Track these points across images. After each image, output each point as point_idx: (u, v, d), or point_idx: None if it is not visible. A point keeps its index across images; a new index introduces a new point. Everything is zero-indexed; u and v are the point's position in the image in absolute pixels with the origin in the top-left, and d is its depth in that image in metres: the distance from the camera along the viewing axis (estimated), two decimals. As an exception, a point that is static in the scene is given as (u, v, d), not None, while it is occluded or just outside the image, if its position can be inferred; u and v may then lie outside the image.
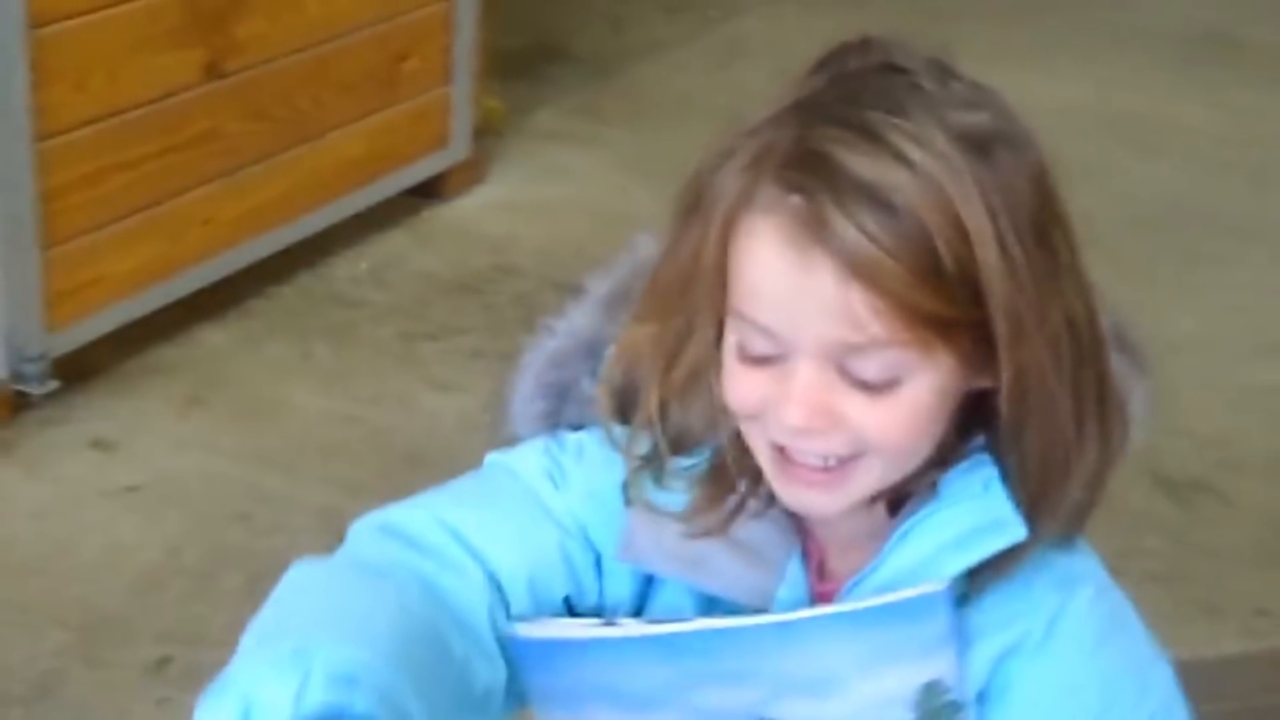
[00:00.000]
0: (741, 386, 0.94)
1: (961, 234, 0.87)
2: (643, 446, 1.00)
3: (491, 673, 0.96)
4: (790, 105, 0.92)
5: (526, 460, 1.03)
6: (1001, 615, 0.97)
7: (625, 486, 1.00)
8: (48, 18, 2.64)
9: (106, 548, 2.55)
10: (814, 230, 0.86)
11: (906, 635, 0.93)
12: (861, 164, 0.86)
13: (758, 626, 0.94)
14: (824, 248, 0.86)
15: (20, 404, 2.86)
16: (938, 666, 0.95)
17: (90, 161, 2.84)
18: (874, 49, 0.93)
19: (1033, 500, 0.96)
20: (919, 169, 0.86)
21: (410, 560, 0.96)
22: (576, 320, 1.05)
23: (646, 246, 1.04)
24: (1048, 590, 0.98)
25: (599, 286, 1.06)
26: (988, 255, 0.87)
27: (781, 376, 0.92)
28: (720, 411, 0.97)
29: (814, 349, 0.90)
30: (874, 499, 0.97)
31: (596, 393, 1.02)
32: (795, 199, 0.87)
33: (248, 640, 0.89)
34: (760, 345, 0.92)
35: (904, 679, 0.94)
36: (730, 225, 0.91)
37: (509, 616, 0.97)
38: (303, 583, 0.95)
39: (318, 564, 0.96)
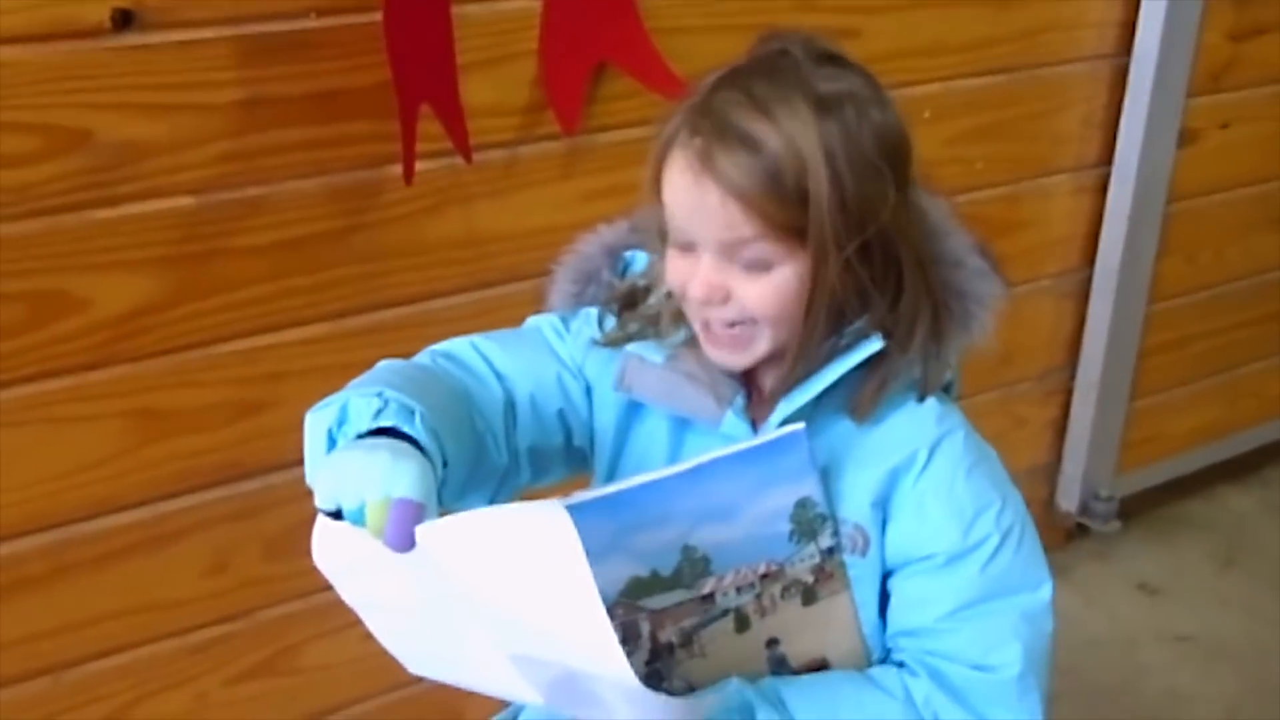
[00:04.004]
0: (671, 269, 1.18)
1: (801, 169, 1.09)
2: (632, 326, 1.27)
3: (498, 454, 1.22)
4: (716, 77, 1.15)
5: (547, 320, 1.30)
6: (895, 440, 1.19)
7: (600, 329, 1.28)
8: (1182, 195, 2.64)
9: (1166, 691, 2.50)
10: (705, 164, 1.10)
11: (777, 466, 1.13)
12: (741, 118, 1.10)
13: (672, 476, 1.10)
14: (711, 176, 1.10)
15: (1074, 535, 2.89)
16: (805, 487, 1.14)
17: (1184, 327, 2.82)
18: (781, 39, 1.16)
19: (887, 331, 1.17)
20: (779, 123, 1.10)
21: (454, 370, 1.22)
22: (604, 234, 1.30)
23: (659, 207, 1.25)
24: (930, 424, 1.20)
25: (622, 221, 1.30)
26: (819, 185, 1.09)
27: (694, 262, 1.15)
28: None
29: (710, 244, 1.13)
30: (775, 356, 1.18)
31: (615, 283, 1.28)
32: (697, 141, 1.11)
33: (345, 389, 1.10)
34: (681, 239, 1.16)
35: (781, 499, 1.14)
36: (662, 157, 1.15)
37: (516, 422, 1.23)
38: (385, 366, 1.18)
39: (396, 361, 1.20)
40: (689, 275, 1.16)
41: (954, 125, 2.31)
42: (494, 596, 0.98)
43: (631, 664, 1.16)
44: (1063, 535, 2.88)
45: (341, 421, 1.07)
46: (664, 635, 1.17)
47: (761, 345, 1.17)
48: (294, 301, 1.76)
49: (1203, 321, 2.85)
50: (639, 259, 1.29)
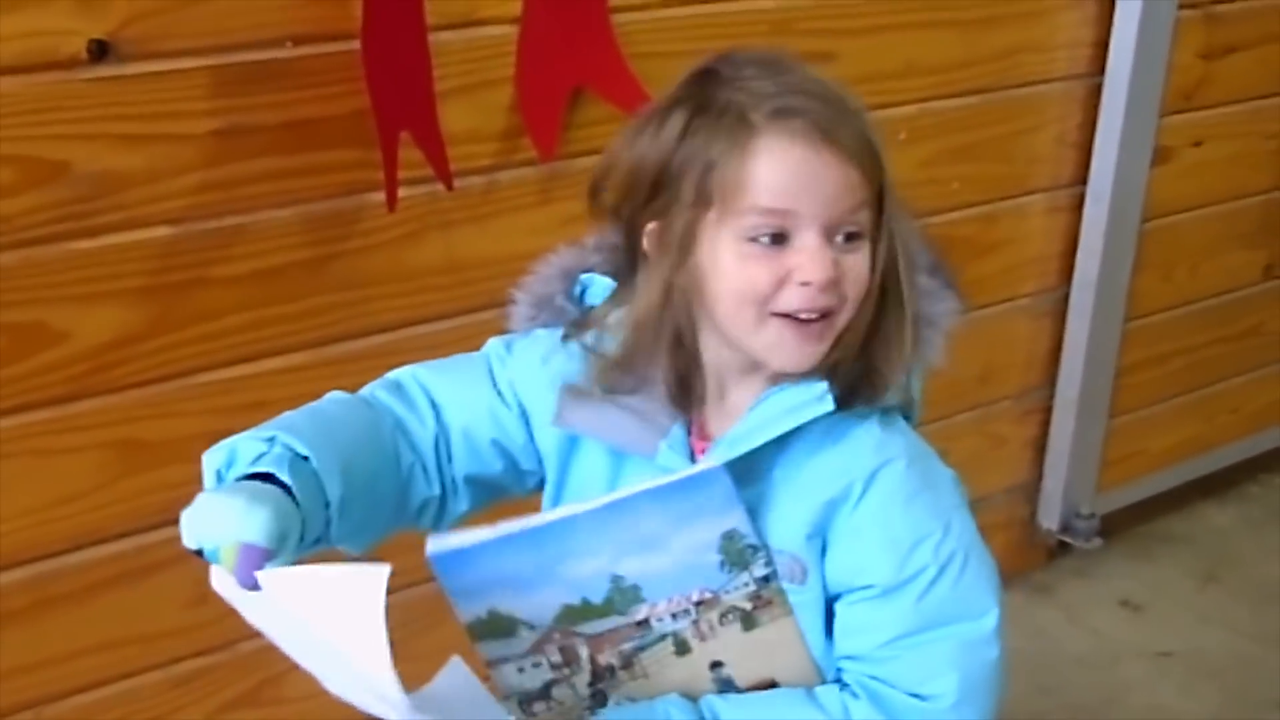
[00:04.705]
0: (757, 271, 1.11)
1: (875, 139, 1.13)
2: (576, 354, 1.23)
3: (428, 489, 1.22)
4: (702, 98, 1.14)
5: (495, 345, 1.29)
6: (831, 471, 1.16)
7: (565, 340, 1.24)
8: (1157, 213, 2.65)
9: (1149, 708, 2.50)
10: (823, 133, 1.10)
11: (698, 501, 1.11)
12: (826, 91, 1.13)
13: (589, 511, 1.11)
14: (833, 144, 1.10)
15: (1056, 553, 2.89)
16: (731, 520, 1.13)
17: (1161, 344, 2.83)
18: (738, 56, 1.16)
19: (844, 360, 1.16)
20: (837, 86, 1.14)
21: (393, 402, 1.24)
22: (565, 256, 1.27)
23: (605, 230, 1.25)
24: (868, 454, 1.16)
25: (590, 238, 1.27)
26: (883, 157, 1.14)
27: (788, 254, 1.11)
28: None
29: (817, 220, 1.10)
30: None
31: (567, 308, 1.26)
32: (797, 122, 1.10)
33: (255, 427, 1.13)
34: (773, 229, 1.11)
35: (707, 531, 1.13)
36: (740, 161, 1.10)
37: (450, 453, 1.23)
38: (318, 405, 1.21)
39: (340, 394, 1.24)
40: (784, 267, 1.11)
41: (929, 147, 2.31)
42: (323, 639, 1.01)
43: (574, 685, 1.18)
44: (1044, 553, 2.88)
45: (230, 463, 1.10)
46: (604, 658, 1.18)
47: (832, 335, 1.14)
48: (274, 330, 1.76)
49: (1179, 338, 2.86)
50: (595, 282, 1.27)
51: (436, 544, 1.10)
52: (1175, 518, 3.06)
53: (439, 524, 1.25)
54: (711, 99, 1.14)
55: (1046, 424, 2.76)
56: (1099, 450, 2.79)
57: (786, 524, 1.16)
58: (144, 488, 1.73)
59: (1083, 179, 2.54)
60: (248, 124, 1.64)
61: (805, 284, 1.11)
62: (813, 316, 1.13)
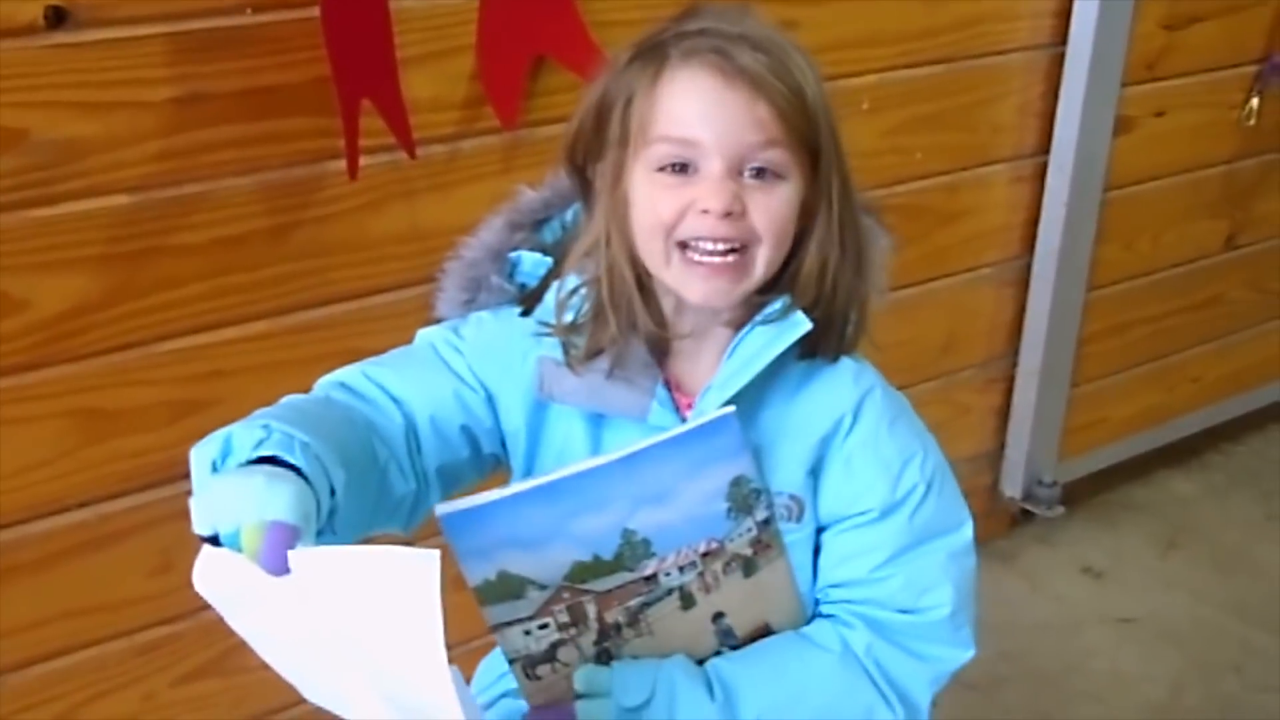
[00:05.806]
0: (662, 201, 1.14)
1: (805, 80, 1.13)
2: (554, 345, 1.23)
3: (405, 484, 1.19)
4: (649, 37, 1.16)
5: (438, 333, 1.27)
6: (820, 408, 1.21)
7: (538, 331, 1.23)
8: (1119, 183, 2.67)
9: (1110, 673, 2.52)
10: (730, 65, 1.11)
11: (710, 448, 1.14)
12: (744, 29, 1.13)
13: (608, 464, 1.11)
14: (739, 77, 1.11)
15: (1019, 521, 2.91)
16: (739, 466, 1.15)
17: (1122, 314, 2.85)
18: (704, 5, 1.18)
19: (810, 304, 1.18)
20: (773, 38, 1.14)
21: (353, 401, 1.20)
22: (485, 237, 1.27)
23: (525, 194, 1.30)
24: (849, 386, 1.22)
25: (496, 219, 1.29)
26: (817, 100, 1.14)
27: (694, 183, 1.13)
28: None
29: (725, 152, 1.12)
30: (739, 306, 1.18)
31: (504, 285, 1.26)
32: (709, 55, 1.12)
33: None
34: (678, 159, 1.13)
35: (716, 478, 1.15)
36: (649, 92, 1.13)
37: (420, 446, 1.20)
38: (285, 401, 1.16)
39: (297, 395, 1.19)
40: (688, 196, 1.13)
41: (892, 116, 2.32)
42: (355, 633, 0.95)
43: (580, 645, 1.18)
44: (1007, 521, 2.91)
45: (225, 454, 1.04)
46: (610, 615, 1.18)
47: (753, 275, 1.16)
48: (234, 299, 1.75)
49: (1141, 308, 2.88)
50: (525, 259, 1.27)
51: (447, 505, 1.09)
52: (1137, 485, 3.09)
53: (411, 521, 1.23)
54: (654, 40, 1.16)
55: (1009, 393, 2.78)
56: (1061, 419, 2.82)
57: (786, 465, 1.21)
58: (105, 456, 1.73)
59: (1045, 149, 2.55)
60: (208, 91, 1.63)
61: (705, 212, 1.13)
62: (717, 249, 1.14)
